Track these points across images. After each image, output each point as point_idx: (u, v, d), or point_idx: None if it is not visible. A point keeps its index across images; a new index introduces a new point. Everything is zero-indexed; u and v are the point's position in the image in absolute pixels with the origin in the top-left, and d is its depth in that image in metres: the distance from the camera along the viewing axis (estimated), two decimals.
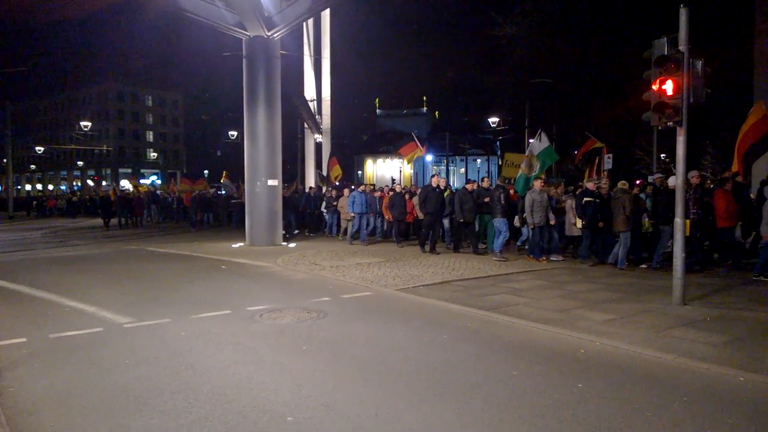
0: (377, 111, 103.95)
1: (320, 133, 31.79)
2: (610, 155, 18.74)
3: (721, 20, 24.85)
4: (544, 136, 14.57)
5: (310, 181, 30.61)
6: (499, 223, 12.49)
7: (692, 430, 3.86)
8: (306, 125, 31.69)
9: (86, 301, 8.20)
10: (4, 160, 40.36)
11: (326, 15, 30.40)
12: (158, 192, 33.46)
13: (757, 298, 8.19)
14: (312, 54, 30.72)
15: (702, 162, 30.44)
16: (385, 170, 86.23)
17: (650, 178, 13.57)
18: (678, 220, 7.64)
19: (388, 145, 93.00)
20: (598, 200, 11.24)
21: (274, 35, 15.98)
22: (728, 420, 4.00)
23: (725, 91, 22.34)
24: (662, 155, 30.26)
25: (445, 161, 62.15)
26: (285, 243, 16.21)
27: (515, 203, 13.17)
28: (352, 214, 15.79)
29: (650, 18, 23.62)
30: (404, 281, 9.66)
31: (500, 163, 79.40)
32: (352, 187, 18.02)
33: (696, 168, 16.75)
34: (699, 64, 7.33)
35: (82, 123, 51.00)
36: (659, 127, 8.31)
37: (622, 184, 11.33)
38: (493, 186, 13.35)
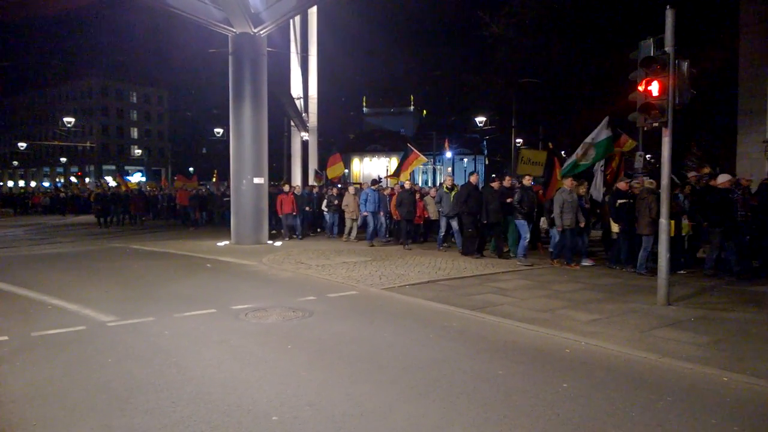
0: (364, 109, 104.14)
1: (307, 131, 31.66)
2: (642, 153, 17.61)
3: (706, 22, 25.12)
4: (608, 127, 12.94)
5: (296, 179, 30.47)
6: (519, 225, 11.77)
7: (676, 429, 3.89)
8: (292, 123, 31.54)
9: (69, 300, 8.10)
10: None
11: (313, 13, 30.28)
12: (144, 190, 33.16)
13: (740, 298, 8.28)
14: (299, 52, 30.59)
15: (686, 163, 30.71)
16: (372, 168, 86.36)
17: (635, 178, 13.44)
18: (663, 221, 7.69)
19: (374, 144, 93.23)
20: (632, 201, 10.58)
21: (261, 32, 15.88)
22: (711, 420, 4.03)
23: (710, 92, 22.57)
24: (647, 155, 30.46)
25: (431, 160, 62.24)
26: (271, 242, 16.12)
27: (541, 202, 12.38)
28: (366, 213, 15.03)
29: (637, 19, 23.81)
30: (390, 280, 9.65)
31: (486, 162, 79.41)
32: (339, 184, 17.86)
33: (680, 168, 16.64)
34: (685, 65, 7.38)
35: (66, 119, 50.05)
36: (645, 128, 8.36)
37: (648, 183, 10.59)
38: (517, 185, 12.47)
